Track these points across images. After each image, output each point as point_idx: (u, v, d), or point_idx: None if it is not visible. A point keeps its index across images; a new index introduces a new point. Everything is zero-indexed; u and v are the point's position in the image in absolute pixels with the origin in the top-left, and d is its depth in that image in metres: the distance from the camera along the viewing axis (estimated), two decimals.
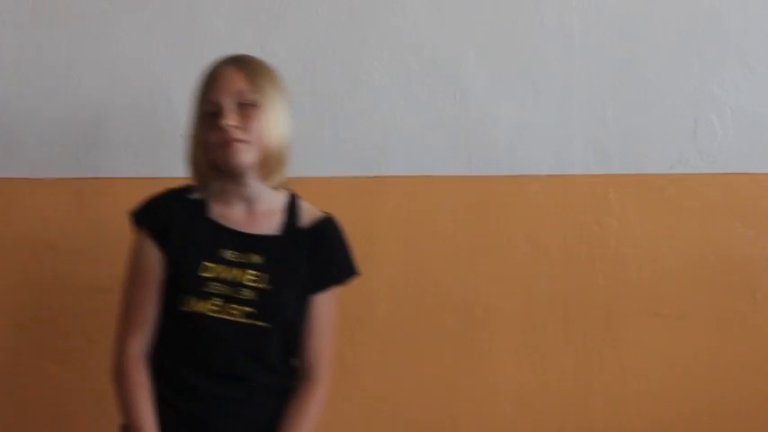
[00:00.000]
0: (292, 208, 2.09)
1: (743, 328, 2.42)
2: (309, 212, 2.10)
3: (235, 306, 1.97)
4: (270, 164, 2.03)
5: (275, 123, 2.03)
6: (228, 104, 1.99)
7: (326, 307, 2.08)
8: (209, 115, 2.01)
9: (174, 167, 2.48)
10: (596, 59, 2.47)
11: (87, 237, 2.50)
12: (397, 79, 2.47)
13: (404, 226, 2.48)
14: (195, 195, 2.07)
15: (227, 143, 1.98)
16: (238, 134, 1.98)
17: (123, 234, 2.49)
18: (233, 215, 2.05)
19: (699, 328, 2.43)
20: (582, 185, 2.46)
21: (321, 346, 2.08)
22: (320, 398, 2.07)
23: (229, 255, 2.01)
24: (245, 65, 2.04)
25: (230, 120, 1.98)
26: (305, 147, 2.47)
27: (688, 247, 2.43)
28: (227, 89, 2.00)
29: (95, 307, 2.49)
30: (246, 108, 2.00)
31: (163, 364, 2.01)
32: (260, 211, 2.06)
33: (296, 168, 2.46)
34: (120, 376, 2.01)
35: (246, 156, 2.00)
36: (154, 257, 2.02)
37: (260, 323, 1.97)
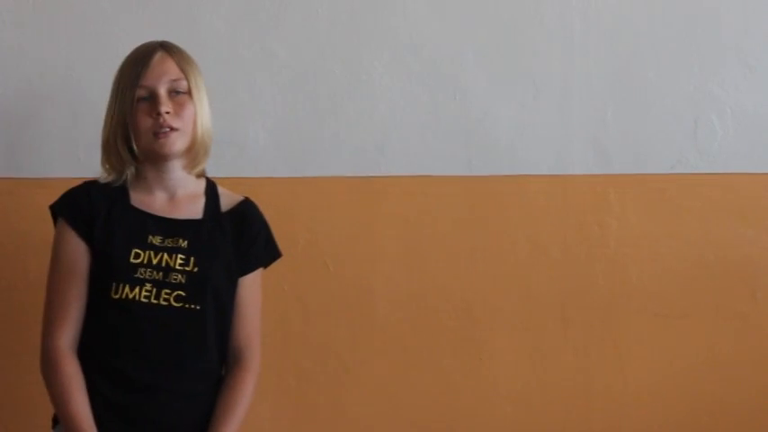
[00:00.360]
0: (212, 193, 2.11)
1: (743, 328, 2.42)
2: (229, 197, 2.12)
3: (166, 291, 1.98)
4: (197, 152, 2.06)
5: (203, 112, 2.05)
6: (162, 91, 2.00)
7: (252, 289, 2.09)
8: (139, 100, 2.01)
9: None
10: (596, 59, 2.47)
11: None
12: (397, 79, 2.47)
13: (404, 226, 2.48)
14: (113, 184, 2.07)
15: (161, 131, 2.00)
16: (172, 122, 2.00)
17: None
18: (155, 202, 2.06)
19: (699, 327, 2.43)
20: (582, 185, 2.46)
21: (249, 329, 2.08)
22: (252, 382, 2.07)
23: (157, 240, 2.02)
24: (175, 52, 2.05)
25: (165, 107, 1.99)
26: (305, 147, 2.48)
27: (688, 246, 2.43)
28: (161, 76, 2.01)
29: None
30: (179, 96, 2.02)
31: (96, 355, 1.99)
32: (181, 196, 2.08)
33: (295, 168, 2.47)
34: (50, 370, 1.99)
35: (178, 144, 2.02)
36: (79, 249, 2.02)
37: (192, 306, 1.98)
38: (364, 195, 2.47)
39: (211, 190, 2.11)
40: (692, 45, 2.46)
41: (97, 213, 2.02)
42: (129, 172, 2.06)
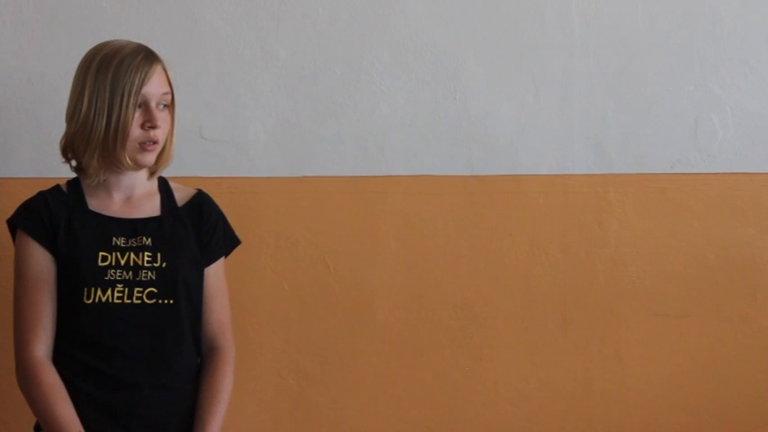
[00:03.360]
0: (166, 189, 2.12)
1: (743, 328, 2.42)
2: (182, 191, 2.14)
3: (138, 289, 1.99)
4: (162, 164, 2.08)
5: (175, 124, 2.08)
6: (154, 104, 2.01)
7: (217, 278, 2.11)
8: (134, 109, 1.99)
9: (172, 167, 2.48)
10: (596, 59, 2.47)
11: None
12: (397, 79, 2.47)
13: (404, 226, 2.48)
14: (69, 188, 2.08)
15: (148, 144, 2.01)
16: (159, 136, 2.02)
17: None
18: (113, 204, 2.07)
19: (699, 327, 2.43)
20: (582, 185, 2.46)
21: (221, 316, 2.11)
22: (230, 370, 2.08)
23: (121, 242, 2.02)
24: (163, 64, 2.05)
25: (161, 120, 2.01)
26: (305, 147, 2.47)
27: (688, 246, 2.43)
28: (158, 88, 2.02)
29: None
30: (165, 109, 2.04)
31: (76, 358, 1.99)
32: (137, 196, 2.08)
33: (295, 168, 2.47)
34: (30, 382, 1.98)
35: (155, 157, 2.04)
36: (43, 260, 2.01)
37: (165, 301, 2.00)
38: (364, 195, 2.47)
39: (165, 186, 2.13)
40: (692, 45, 2.46)
41: (58, 222, 2.02)
42: (91, 177, 2.05)
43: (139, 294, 1.99)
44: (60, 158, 2.09)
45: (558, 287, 2.45)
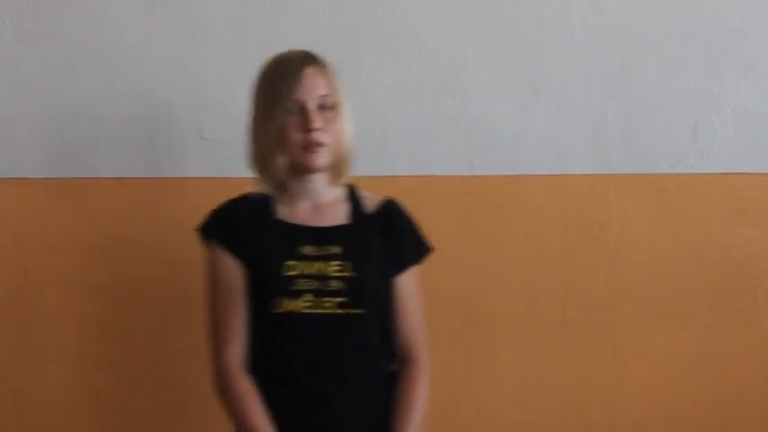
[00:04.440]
0: (354, 197, 2.11)
1: (743, 328, 2.42)
2: (371, 199, 2.13)
3: (326, 299, 1.98)
4: (341, 166, 2.07)
5: (348, 126, 2.07)
6: (313, 106, 2.01)
7: (408, 286, 2.09)
8: (289, 114, 2.02)
9: (172, 167, 2.48)
10: (596, 59, 2.47)
11: (87, 237, 2.50)
12: (397, 79, 2.47)
13: None
14: (257, 196, 2.08)
15: (311, 146, 2.01)
16: (321, 138, 2.01)
17: (122, 234, 2.49)
18: (300, 212, 2.07)
19: (699, 327, 2.43)
20: (582, 185, 2.46)
21: (413, 325, 2.09)
22: (424, 379, 2.08)
23: (308, 250, 2.02)
24: (322, 66, 2.06)
25: (318, 123, 2.00)
26: None
27: (688, 247, 2.43)
28: (311, 91, 2.02)
29: (95, 307, 2.49)
30: (327, 111, 2.03)
31: (267, 368, 2.00)
32: (324, 204, 2.08)
33: None
34: (225, 389, 2.00)
35: (325, 159, 2.03)
36: (232, 269, 2.03)
37: (354, 311, 1.99)
38: None
39: (353, 194, 2.12)
40: (692, 45, 2.46)
41: (245, 231, 2.03)
42: (278, 184, 2.06)
43: (328, 304, 1.98)
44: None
45: (557, 287, 2.45)
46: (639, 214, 2.46)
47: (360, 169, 2.43)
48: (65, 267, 2.49)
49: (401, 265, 2.08)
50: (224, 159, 2.47)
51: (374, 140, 2.47)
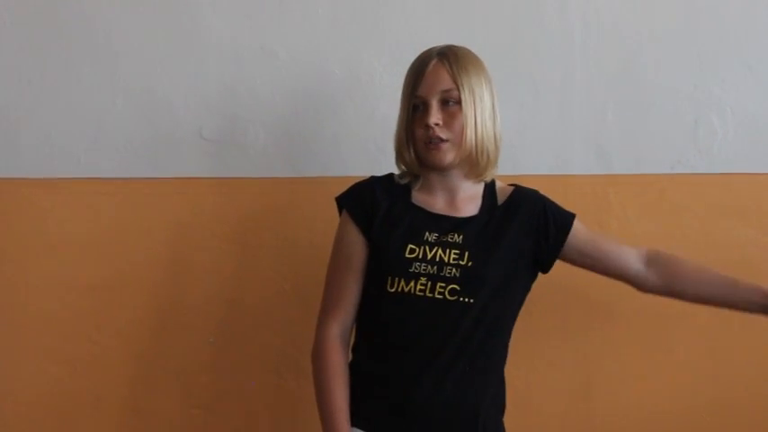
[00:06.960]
0: (491, 191, 2.13)
1: (743, 328, 2.42)
2: (503, 191, 2.14)
3: (441, 284, 2.00)
4: (477, 162, 2.07)
5: (479, 121, 2.05)
6: (433, 102, 2.03)
7: (587, 234, 2.13)
8: (415, 109, 2.05)
9: (173, 167, 2.49)
10: (596, 59, 2.47)
11: (87, 237, 2.50)
12: (397, 79, 2.46)
13: None
14: (400, 181, 2.11)
15: (430, 141, 2.03)
16: (441, 133, 2.02)
17: (122, 234, 2.49)
18: (435, 202, 2.09)
19: (699, 327, 2.43)
20: (582, 185, 2.46)
21: (618, 243, 2.15)
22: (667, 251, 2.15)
23: (432, 237, 2.04)
24: (451, 59, 2.05)
25: (434, 118, 2.01)
26: (305, 147, 2.48)
27: (688, 247, 2.42)
28: (432, 86, 2.03)
29: (95, 307, 2.49)
30: (450, 106, 2.03)
31: (376, 345, 2.03)
32: (462, 198, 2.10)
33: (295, 168, 2.47)
34: (317, 358, 2.04)
35: (448, 155, 2.04)
36: (357, 242, 2.06)
37: (464, 299, 1.99)
38: None
39: (490, 189, 2.13)
40: (692, 45, 2.46)
41: (378, 209, 2.06)
42: (417, 175, 2.10)
43: (441, 290, 1.99)
44: None
45: (557, 287, 2.45)
46: (639, 214, 2.46)
47: (360, 169, 2.44)
48: (65, 267, 2.50)
49: (560, 238, 2.10)
50: (224, 159, 2.48)
51: (374, 140, 2.47)
